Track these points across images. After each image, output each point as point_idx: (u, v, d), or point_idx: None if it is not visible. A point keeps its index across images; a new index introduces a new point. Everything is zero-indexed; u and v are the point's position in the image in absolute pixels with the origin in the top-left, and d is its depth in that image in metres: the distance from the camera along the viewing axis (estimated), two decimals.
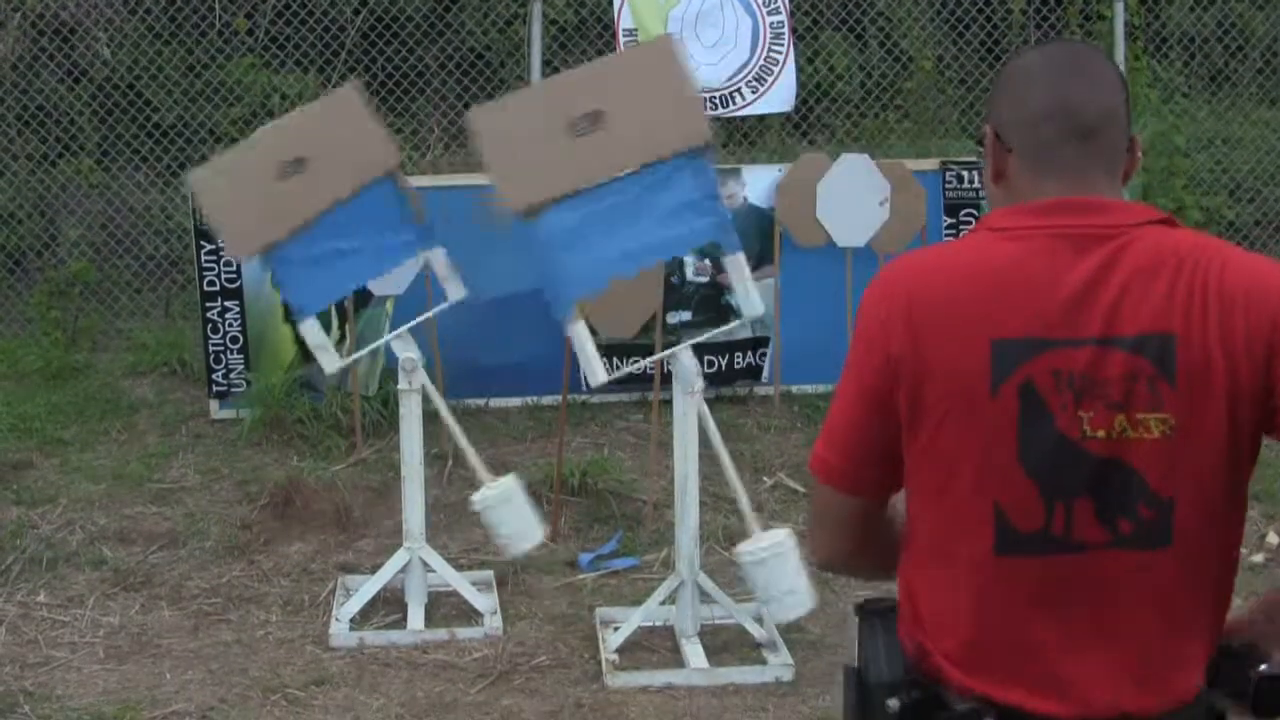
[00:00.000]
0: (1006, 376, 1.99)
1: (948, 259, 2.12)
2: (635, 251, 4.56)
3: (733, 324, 5.53)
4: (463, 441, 5.03)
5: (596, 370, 4.61)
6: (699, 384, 4.77)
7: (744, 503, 4.55)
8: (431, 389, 5.17)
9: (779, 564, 4.27)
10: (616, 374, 4.77)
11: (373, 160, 5.00)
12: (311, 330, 5.07)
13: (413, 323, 5.34)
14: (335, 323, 7.06)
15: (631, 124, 4.52)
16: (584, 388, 7.23)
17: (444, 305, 5.22)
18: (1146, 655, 2.03)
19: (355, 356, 5.56)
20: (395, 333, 5.24)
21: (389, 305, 6.91)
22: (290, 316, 5.17)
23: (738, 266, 4.57)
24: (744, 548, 4.30)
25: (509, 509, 4.79)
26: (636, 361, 6.40)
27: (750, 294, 4.57)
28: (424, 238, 5.14)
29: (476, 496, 4.82)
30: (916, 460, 2.08)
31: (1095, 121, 2.07)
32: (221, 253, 6.86)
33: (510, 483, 4.81)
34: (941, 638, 2.09)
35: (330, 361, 5.10)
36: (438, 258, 5.14)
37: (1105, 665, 2.03)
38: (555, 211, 4.48)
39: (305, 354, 7.10)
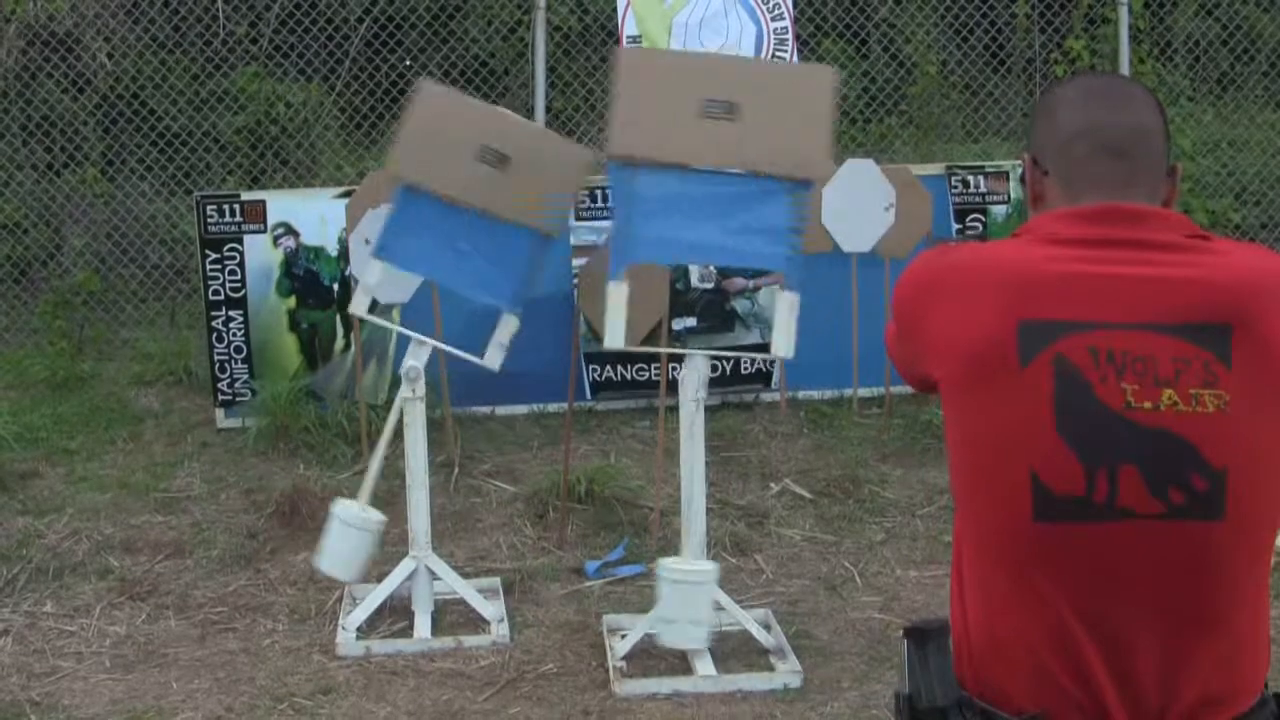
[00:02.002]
0: (1037, 351, 2.02)
1: (984, 250, 2.20)
2: (705, 247, 4.58)
3: (736, 347, 5.46)
4: (379, 454, 5.05)
5: (616, 334, 4.58)
6: (701, 392, 4.75)
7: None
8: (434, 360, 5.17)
9: (695, 593, 4.29)
10: (632, 347, 4.76)
11: (544, 214, 4.97)
12: (373, 270, 5.04)
13: (409, 331, 5.33)
14: (340, 330, 7.07)
15: (760, 128, 4.50)
16: (589, 396, 7.24)
17: (467, 356, 5.15)
18: (1205, 632, 2.03)
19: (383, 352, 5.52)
20: (420, 338, 5.19)
21: (395, 314, 6.91)
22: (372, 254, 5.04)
23: (788, 305, 4.53)
24: (669, 563, 4.32)
25: (354, 537, 4.88)
26: (655, 345, 6.34)
27: (789, 336, 4.53)
28: (515, 302, 5.02)
29: (341, 504, 4.90)
30: (957, 445, 2.13)
31: (1125, 140, 2.13)
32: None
33: (376, 525, 4.91)
34: (994, 641, 2.10)
35: (360, 304, 5.14)
36: (509, 326, 5.07)
37: (1164, 641, 2.02)
38: (654, 174, 4.48)
39: (309, 363, 7.12)
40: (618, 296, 4.58)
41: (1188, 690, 2.03)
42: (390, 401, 6.62)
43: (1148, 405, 1.99)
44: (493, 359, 5.07)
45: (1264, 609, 2.10)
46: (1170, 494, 2.00)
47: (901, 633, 2.22)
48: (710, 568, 4.38)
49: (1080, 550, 2.02)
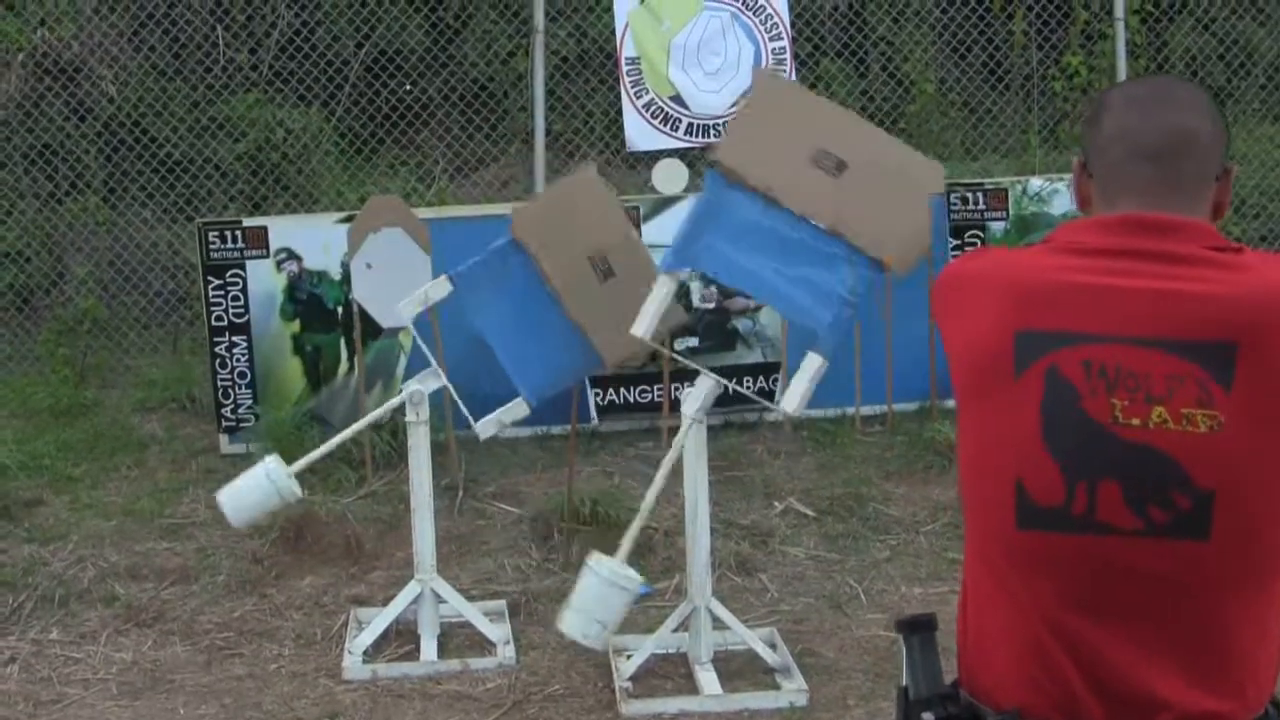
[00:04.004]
0: (1031, 362, 2.04)
1: (1003, 258, 2.20)
2: (758, 280, 4.58)
3: (738, 367, 5.41)
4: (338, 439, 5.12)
5: (646, 324, 4.57)
6: (701, 411, 4.76)
7: (635, 528, 4.51)
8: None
9: (613, 595, 4.26)
10: (657, 342, 4.75)
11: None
12: (440, 287, 5.05)
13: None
14: (345, 354, 7.08)
15: (857, 195, 4.52)
16: (593, 418, 7.25)
17: (466, 414, 5.13)
18: (1189, 650, 2.02)
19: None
20: (428, 370, 5.20)
21: (402, 337, 6.93)
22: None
23: (813, 367, 4.48)
24: (603, 561, 4.26)
25: (252, 486, 4.96)
26: (676, 358, 6.33)
27: (802, 397, 4.45)
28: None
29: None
30: (959, 450, 2.18)
31: (1161, 143, 2.10)
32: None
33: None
34: (982, 640, 2.13)
35: (409, 311, 5.09)
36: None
37: (1143, 656, 2.02)
38: (744, 195, 4.51)
39: (313, 387, 7.13)
40: (663, 289, 4.61)
41: (1168, 704, 2.01)
42: (391, 424, 6.65)
43: (1135, 422, 1.98)
44: (484, 429, 5.09)
45: (1270, 629, 2.06)
46: (1150, 511, 1.99)
47: (895, 628, 2.26)
48: (637, 581, 4.32)
49: (1057, 560, 2.04)
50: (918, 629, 2.21)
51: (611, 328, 4.88)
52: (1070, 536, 2.02)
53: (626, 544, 4.44)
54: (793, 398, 4.45)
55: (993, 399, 2.07)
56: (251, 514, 5.01)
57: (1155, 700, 2.02)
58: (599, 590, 4.28)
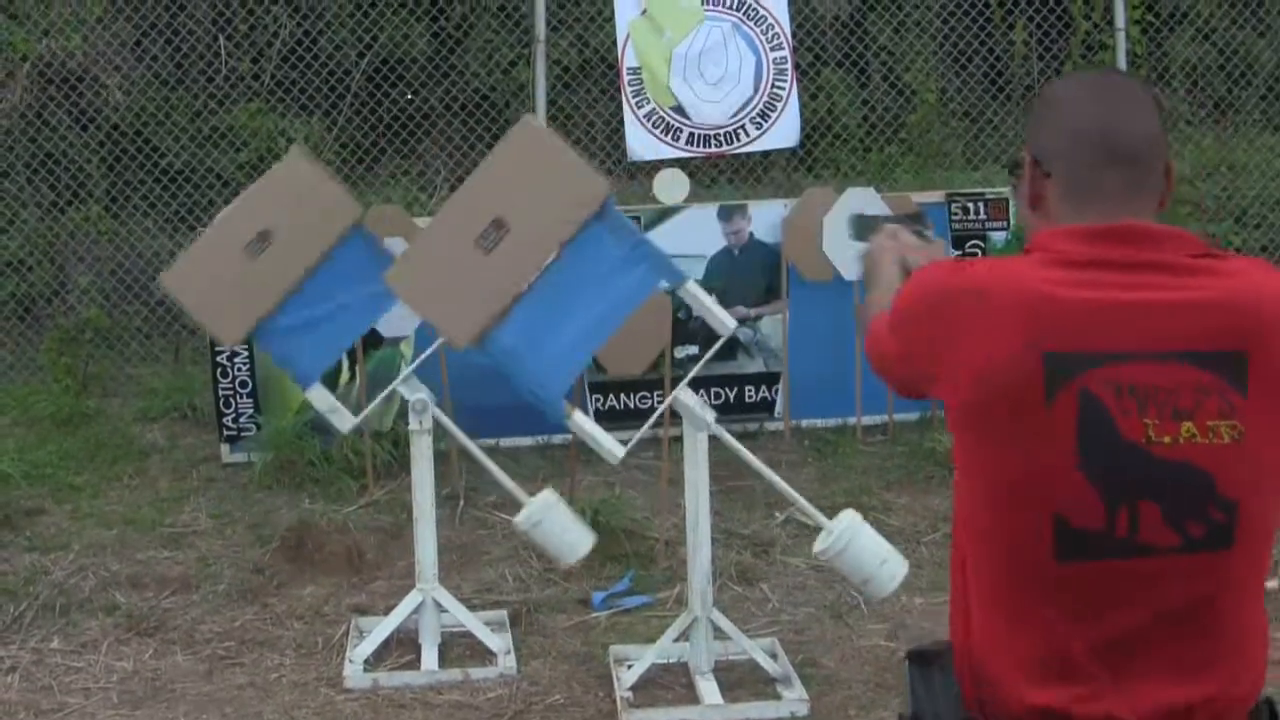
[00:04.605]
0: (1062, 386, 1.98)
1: (1002, 272, 2.10)
2: (592, 327, 4.59)
3: (713, 350, 5.38)
4: (494, 469, 5.01)
5: (612, 449, 4.65)
6: (710, 415, 4.78)
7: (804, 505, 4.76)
8: (450, 424, 5.19)
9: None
10: (629, 444, 4.79)
11: (335, 217, 5.01)
12: (319, 396, 5.05)
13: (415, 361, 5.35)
14: (346, 363, 7.08)
15: (531, 216, 4.53)
16: None
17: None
18: (1217, 651, 2.04)
19: (364, 413, 5.47)
20: (401, 376, 5.22)
21: (403, 346, 6.93)
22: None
23: (692, 294, 4.64)
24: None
25: (553, 521, 4.74)
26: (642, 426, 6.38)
27: (716, 313, 4.65)
28: None
29: (520, 517, 4.74)
30: (973, 472, 2.10)
31: (1136, 148, 2.09)
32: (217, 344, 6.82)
33: (549, 496, 4.78)
34: (1007, 661, 2.08)
35: (344, 422, 5.10)
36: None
37: (1172, 665, 2.03)
38: (501, 329, 4.49)
39: None
40: (582, 424, 4.72)
41: (1199, 704, 2.03)
42: (393, 433, 6.65)
43: (1168, 439, 1.98)
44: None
45: (1263, 621, 2.12)
46: (1188, 527, 1.99)
47: (904, 656, 2.21)
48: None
49: (1097, 586, 2.02)
50: (934, 657, 2.17)
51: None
52: (1113, 562, 2.01)
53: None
54: (717, 320, 4.67)
55: (1019, 424, 2.01)
56: (580, 538, 4.83)
57: (1191, 703, 2.03)
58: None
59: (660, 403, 6.32)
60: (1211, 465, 1.98)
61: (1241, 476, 1.99)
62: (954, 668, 2.15)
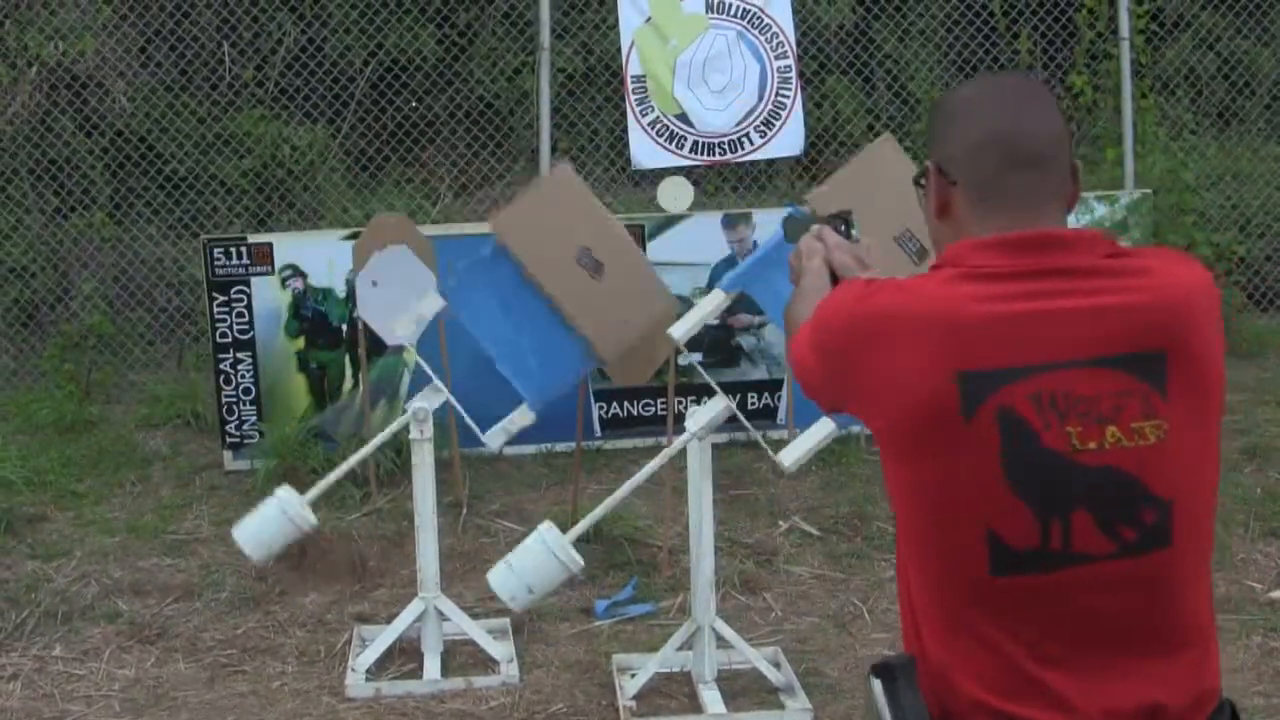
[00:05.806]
0: (979, 403, 1.98)
1: (911, 293, 2.08)
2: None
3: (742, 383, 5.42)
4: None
5: (684, 328, 4.66)
6: (705, 429, 4.77)
7: (595, 516, 4.76)
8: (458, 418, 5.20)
9: (551, 567, 4.48)
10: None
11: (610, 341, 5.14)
12: (432, 303, 5.07)
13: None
14: (349, 371, 7.09)
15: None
16: (598, 434, 7.25)
17: (473, 426, 5.12)
18: (1168, 648, 2.04)
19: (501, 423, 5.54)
20: (431, 385, 5.20)
21: (406, 355, 6.92)
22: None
23: (822, 432, 4.62)
24: (552, 529, 4.53)
25: (268, 521, 5.00)
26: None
27: (803, 454, 4.60)
28: (537, 402, 5.11)
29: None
30: (903, 493, 2.09)
31: (1041, 150, 2.08)
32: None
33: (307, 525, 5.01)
34: (961, 674, 2.07)
35: (409, 333, 5.16)
36: (524, 418, 5.11)
37: (1126, 669, 2.02)
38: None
39: (318, 404, 7.13)
40: (713, 303, 4.66)
41: (1156, 706, 2.02)
42: (395, 441, 6.64)
43: (1092, 445, 1.97)
44: (494, 439, 5.08)
45: (1211, 616, 2.10)
46: (1121, 532, 1.99)
47: (868, 670, 2.19)
48: (578, 564, 4.49)
49: (1037, 599, 2.01)
50: (899, 670, 2.13)
51: (605, 322, 4.94)
52: (1050, 575, 2.00)
53: (582, 526, 4.72)
54: (793, 452, 4.55)
55: (942, 444, 2.00)
56: (271, 549, 5.06)
57: (1148, 705, 2.02)
58: (541, 559, 4.52)
59: (664, 411, 6.31)
60: (1139, 467, 1.98)
61: (1173, 474, 1.99)
62: (917, 681, 2.14)
